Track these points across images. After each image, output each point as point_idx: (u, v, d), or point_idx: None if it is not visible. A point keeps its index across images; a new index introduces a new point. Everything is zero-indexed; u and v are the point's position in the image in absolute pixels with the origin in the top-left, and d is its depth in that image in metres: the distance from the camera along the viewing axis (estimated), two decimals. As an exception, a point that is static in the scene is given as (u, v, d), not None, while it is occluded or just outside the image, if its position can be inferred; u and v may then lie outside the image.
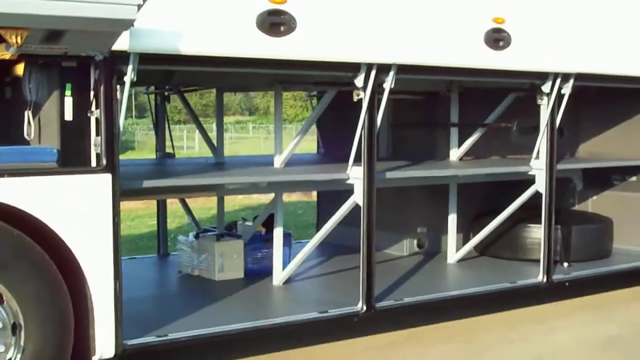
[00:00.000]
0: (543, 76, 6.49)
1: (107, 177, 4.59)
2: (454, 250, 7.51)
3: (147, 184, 5.08)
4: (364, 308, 5.72)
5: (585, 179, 8.34)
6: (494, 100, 7.29)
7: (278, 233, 6.56)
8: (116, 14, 4.15)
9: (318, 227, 8.71)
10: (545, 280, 6.73)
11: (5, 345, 4.36)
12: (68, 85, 4.56)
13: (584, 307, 7.22)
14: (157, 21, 4.65)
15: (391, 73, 5.58)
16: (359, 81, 5.52)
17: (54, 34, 4.20)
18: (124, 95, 4.64)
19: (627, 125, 8.05)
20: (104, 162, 4.58)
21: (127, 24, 4.26)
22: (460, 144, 7.47)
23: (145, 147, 31.91)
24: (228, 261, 6.71)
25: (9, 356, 4.38)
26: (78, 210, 4.51)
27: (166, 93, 7.57)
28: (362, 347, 5.94)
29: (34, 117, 4.63)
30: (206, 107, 45.61)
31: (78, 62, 4.53)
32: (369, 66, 5.50)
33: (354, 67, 5.50)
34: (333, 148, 8.37)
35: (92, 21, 4.12)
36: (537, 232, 7.42)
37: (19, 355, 4.39)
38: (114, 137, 4.59)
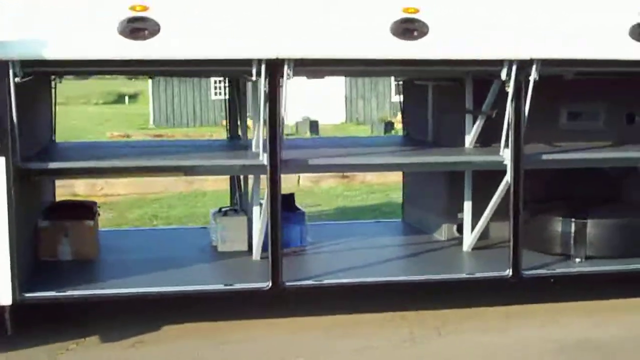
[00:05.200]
0: (495, 64, 6.27)
1: (1, 160, 5.73)
2: (468, 238, 7.44)
3: (42, 165, 6.09)
4: (270, 285, 6.16)
5: None
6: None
7: (256, 211, 7.14)
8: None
9: (403, 208, 9.03)
10: (511, 274, 6.49)
11: None
12: None
13: (562, 310, 6.75)
14: (31, 32, 5.63)
15: (285, 66, 5.94)
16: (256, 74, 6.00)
17: None
18: (11, 95, 5.70)
19: None
20: None
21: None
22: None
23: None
24: (231, 234, 7.42)
25: None
26: (-22, 184, 5.71)
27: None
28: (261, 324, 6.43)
29: None
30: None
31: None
32: (259, 61, 5.94)
33: (247, 63, 5.99)
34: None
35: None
36: (557, 225, 7.15)
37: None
38: (6, 128, 5.69)
